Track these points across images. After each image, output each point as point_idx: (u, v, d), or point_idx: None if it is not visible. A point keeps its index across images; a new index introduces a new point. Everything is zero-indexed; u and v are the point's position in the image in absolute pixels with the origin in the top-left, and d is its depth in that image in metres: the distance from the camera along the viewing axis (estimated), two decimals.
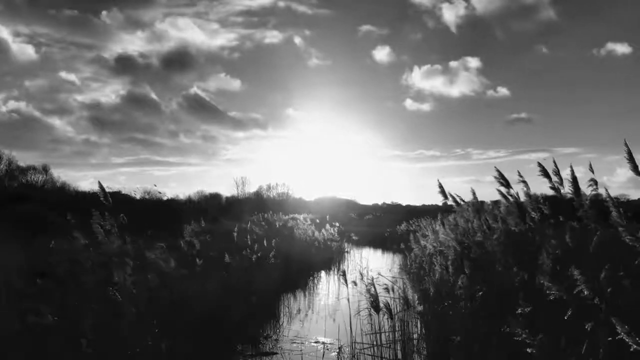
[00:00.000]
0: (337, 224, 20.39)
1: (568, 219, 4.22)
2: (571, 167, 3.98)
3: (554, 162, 4.16)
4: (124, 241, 5.33)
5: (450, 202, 5.47)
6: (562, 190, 4.13)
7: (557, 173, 4.13)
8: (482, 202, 5.79)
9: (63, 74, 51.94)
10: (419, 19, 51.76)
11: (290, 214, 23.79)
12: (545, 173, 4.18)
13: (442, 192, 5.41)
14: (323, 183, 73.28)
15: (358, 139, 64.80)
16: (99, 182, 5.11)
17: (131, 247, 5.35)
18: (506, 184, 4.63)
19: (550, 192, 4.22)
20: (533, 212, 4.32)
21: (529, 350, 3.01)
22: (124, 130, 57.25)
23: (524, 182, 4.49)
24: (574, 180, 3.93)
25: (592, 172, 3.86)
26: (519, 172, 4.55)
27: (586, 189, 3.89)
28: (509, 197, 4.68)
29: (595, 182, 3.82)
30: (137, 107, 53.74)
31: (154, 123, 55.79)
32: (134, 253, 5.35)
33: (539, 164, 4.19)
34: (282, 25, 57.02)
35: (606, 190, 3.56)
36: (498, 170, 4.68)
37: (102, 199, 5.09)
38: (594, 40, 51.66)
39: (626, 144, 3.29)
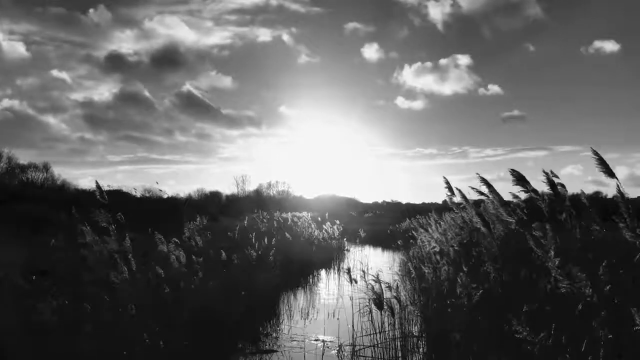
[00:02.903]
0: (338, 222, 20.38)
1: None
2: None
3: (515, 172, 4.19)
4: (123, 239, 5.33)
5: (456, 198, 5.46)
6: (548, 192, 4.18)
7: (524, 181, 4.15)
8: (481, 201, 5.79)
9: (54, 72, 51.43)
10: (404, 17, 51.29)
11: (291, 212, 23.75)
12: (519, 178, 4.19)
13: (449, 188, 5.40)
14: (323, 181, 72.91)
15: (355, 137, 64.57)
16: (96, 181, 5.13)
17: (131, 245, 5.36)
18: (488, 186, 4.62)
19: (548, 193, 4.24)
20: (520, 213, 4.34)
21: (530, 348, 3.01)
22: (119, 128, 57.08)
23: (491, 189, 4.55)
24: (551, 184, 3.97)
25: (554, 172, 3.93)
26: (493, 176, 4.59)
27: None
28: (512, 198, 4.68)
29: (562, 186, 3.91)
30: (131, 105, 53.49)
31: (148, 121, 55.43)
32: (137, 250, 5.36)
33: (512, 170, 4.20)
34: (271, 23, 56.71)
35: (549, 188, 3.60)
36: (481, 177, 4.69)
37: (98, 197, 5.09)
38: (581, 38, 51.36)
39: (593, 150, 3.34)
